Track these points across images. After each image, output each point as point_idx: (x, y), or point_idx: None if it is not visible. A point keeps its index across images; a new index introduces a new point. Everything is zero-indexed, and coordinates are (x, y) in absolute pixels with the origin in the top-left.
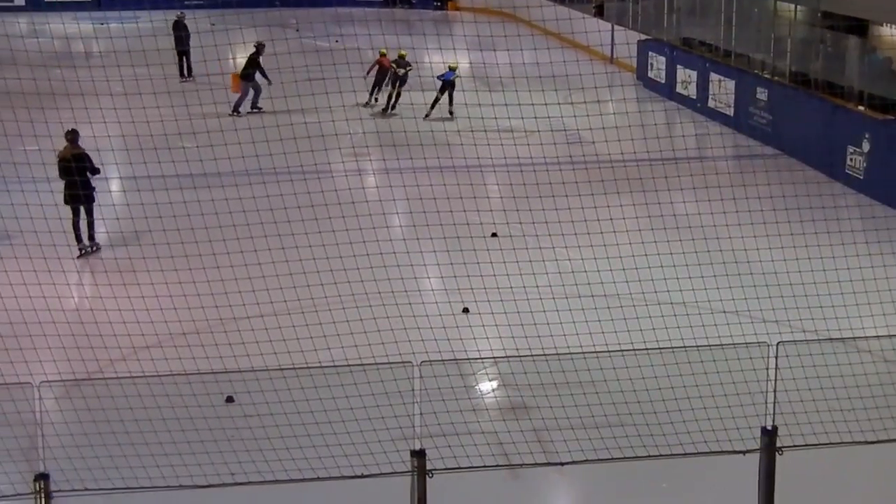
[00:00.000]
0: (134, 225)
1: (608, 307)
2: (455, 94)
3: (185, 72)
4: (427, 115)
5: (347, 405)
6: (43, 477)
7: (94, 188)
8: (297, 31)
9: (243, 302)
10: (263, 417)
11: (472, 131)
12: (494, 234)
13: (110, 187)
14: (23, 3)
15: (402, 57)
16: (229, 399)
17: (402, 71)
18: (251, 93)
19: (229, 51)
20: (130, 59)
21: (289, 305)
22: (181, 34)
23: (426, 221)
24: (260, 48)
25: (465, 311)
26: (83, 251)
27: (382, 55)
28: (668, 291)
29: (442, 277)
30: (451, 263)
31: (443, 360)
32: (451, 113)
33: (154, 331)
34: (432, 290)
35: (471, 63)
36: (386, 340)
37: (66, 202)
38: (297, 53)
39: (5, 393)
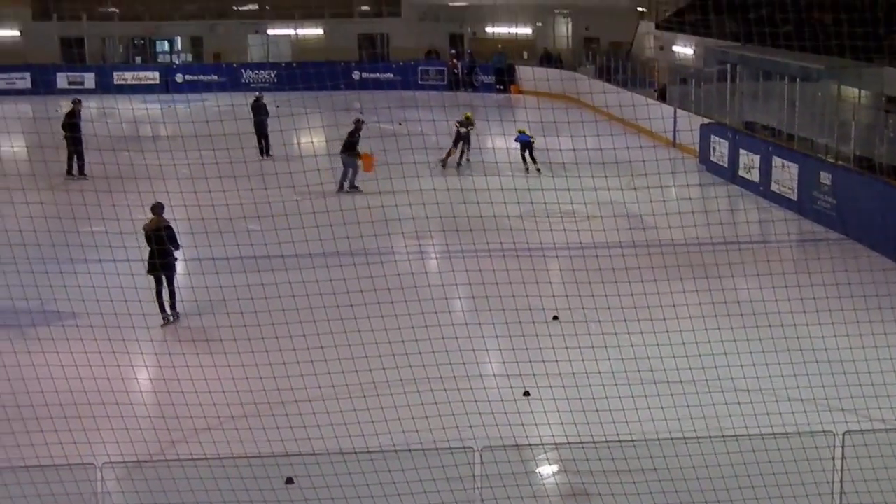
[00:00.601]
0: (198, 307)
1: (671, 393)
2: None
3: (264, 151)
4: (528, 170)
5: (408, 490)
6: None
7: (176, 259)
8: (362, 114)
9: (304, 385)
10: (324, 501)
11: (535, 217)
12: (556, 318)
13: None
14: (93, 87)
15: (467, 118)
16: (289, 481)
17: (464, 130)
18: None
19: (306, 132)
20: (197, 142)
21: (350, 388)
22: (261, 115)
23: (488, 305)
24: (359, 125)
25: (526, 394)
26: (166, 320)
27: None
28: (731, 379)
29: (504, 363)
30: (514, 349)
31: (504, 446)
32: (538, 170)
33: (216, 413)
34: (494, 374)
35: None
36: (447, 425)
37: (150, 272)
38: (363, 137)
39: (68, 474)
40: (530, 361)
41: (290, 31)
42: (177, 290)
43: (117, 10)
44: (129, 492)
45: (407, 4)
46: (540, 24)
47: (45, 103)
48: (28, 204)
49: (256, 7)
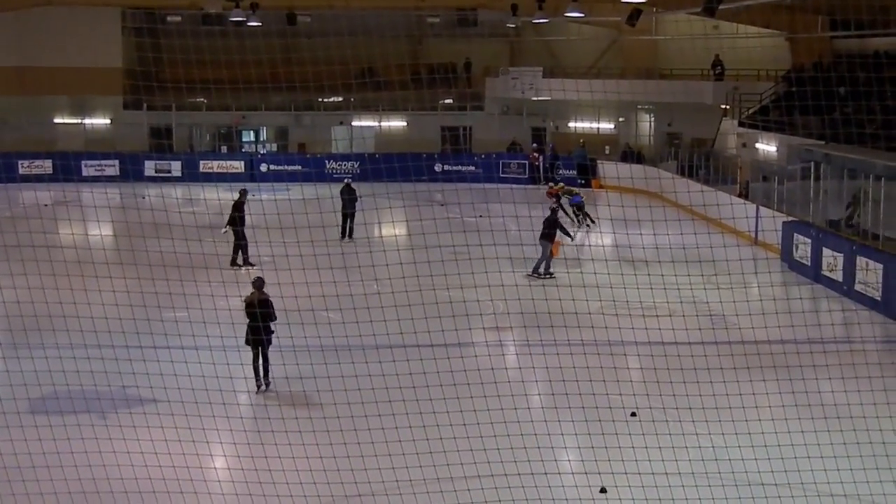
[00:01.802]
0: (278, 397)
1: (752, 497)
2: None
3: (347, 234)
4: (579, 224)
5: None
6: None
7: (273, 332)
8: (443, 206)
9: (382, 479)
10: None
11: (616, 312)
12: (634, 415)
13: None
14: (179, 174)
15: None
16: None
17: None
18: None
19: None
20: (282, 233)
21: (427, 483)
22: (349, 197)
23: (567, 401)
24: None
25: (603, 491)
26: (260, 387)
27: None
28: (815, 483)
29: (582, 460)
30: (592, 447)
31: None
32: (592, 222)
33: (292, 502)
34: (572, 472)
35: (615, 242)
36: None
37: (248, 343)
38: (444, 232)
39: None
40: (609, 460)
41: (375, 123)
42: (270, 364)
43: (205, 101)
44: None
45: (490, 99)
46: (622, 120)
47: (132, 189)
48: (114, 292)
49: (342, 99)
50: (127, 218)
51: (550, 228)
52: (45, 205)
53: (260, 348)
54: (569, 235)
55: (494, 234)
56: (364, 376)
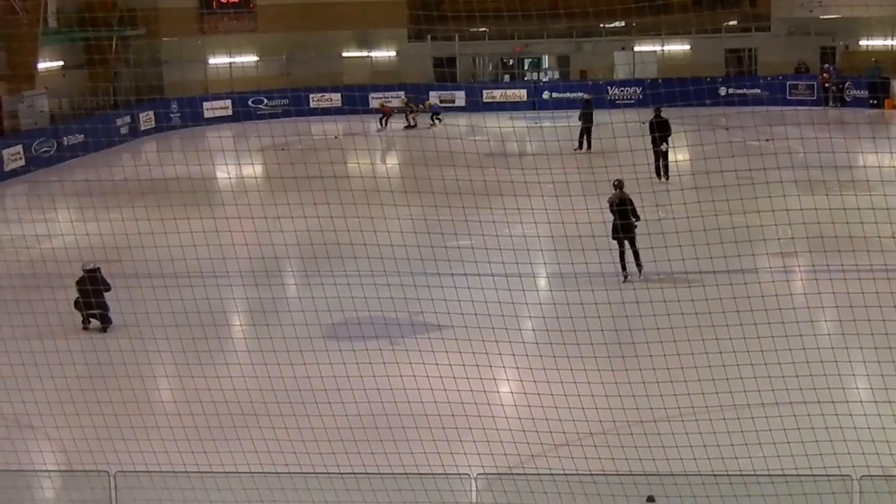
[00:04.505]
0: (559, 323)
1: None
2: None
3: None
4: None
5: None
6: None
7: (636, 226)
8: (727, 130)
9: (663, 405)
10: None
11: None
12: None
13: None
14: (463, 105)
15: None
16: (650, 500)
17: None
18: None
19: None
20: (562, 159)
21: (709, 410)
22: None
23: (856, 329)
24: None
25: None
26: (626, 277)
27: None
28: None
29: (871, 388)
30: (881, 375)
31: (884, 476)
32: None
33: (574, 429)
34: (860, 401)
35: None
36: (823, 451)
37: (614, 237)
38: (727, 157)
39: (444, 483)
40: None
41: (657, 48)
42: (640, 251)
43: (487, 30)
44: (489, 502)
45: (776, 19)
46: None
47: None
48: (399, 219)
49: (623, 24)
50: (411, 147)
51: None
52: (335, 137)
53: (626, 242)
54: None
55: (779, 158)
56: (645, 303)
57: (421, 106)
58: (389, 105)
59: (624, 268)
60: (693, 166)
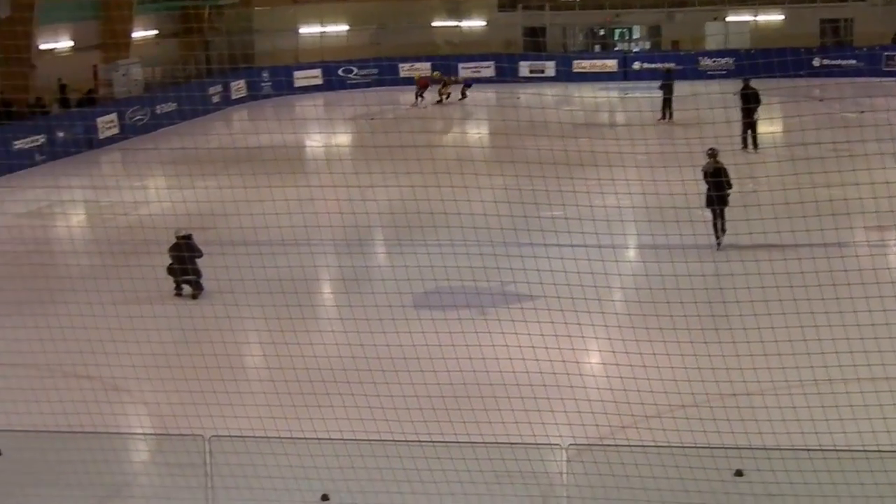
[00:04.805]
0: (651, 294)
1: None
2: None
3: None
4: None
5: (861, 493)
6: None
7: (728, 195)
8: (822, 101)
9: (757, 378)
10: (773, 498)
11: None
12: None
13: (616, 256)
14: (553, 75)
15: None
16: (738, 473)
17: None
18: None
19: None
20: (655, 130)
21: (804, 384)
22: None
23: None
24: None
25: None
26: (719, 245)
27: None
28: None
29: None
30: None
31: None
32: None
33: (666, 400)
34: None
35: None
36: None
37: (707, 205)
38: (824, 129)
39: (535, 452)
40: None
41: (750, 18)
42: (727, 222)
43: (578, 0)
44: (581, 474)
45: None
46: None
47: (509, 91)
48: (492, 189)
49: None
50: (504, 117)
51: None
52: (424, 106)
53: (718, 210)
54: None
55: (877, 130)
56: (740, 275)
57: (454, 78)
58: (426, 78)
59: (718, 236)
60: (786, 138)
